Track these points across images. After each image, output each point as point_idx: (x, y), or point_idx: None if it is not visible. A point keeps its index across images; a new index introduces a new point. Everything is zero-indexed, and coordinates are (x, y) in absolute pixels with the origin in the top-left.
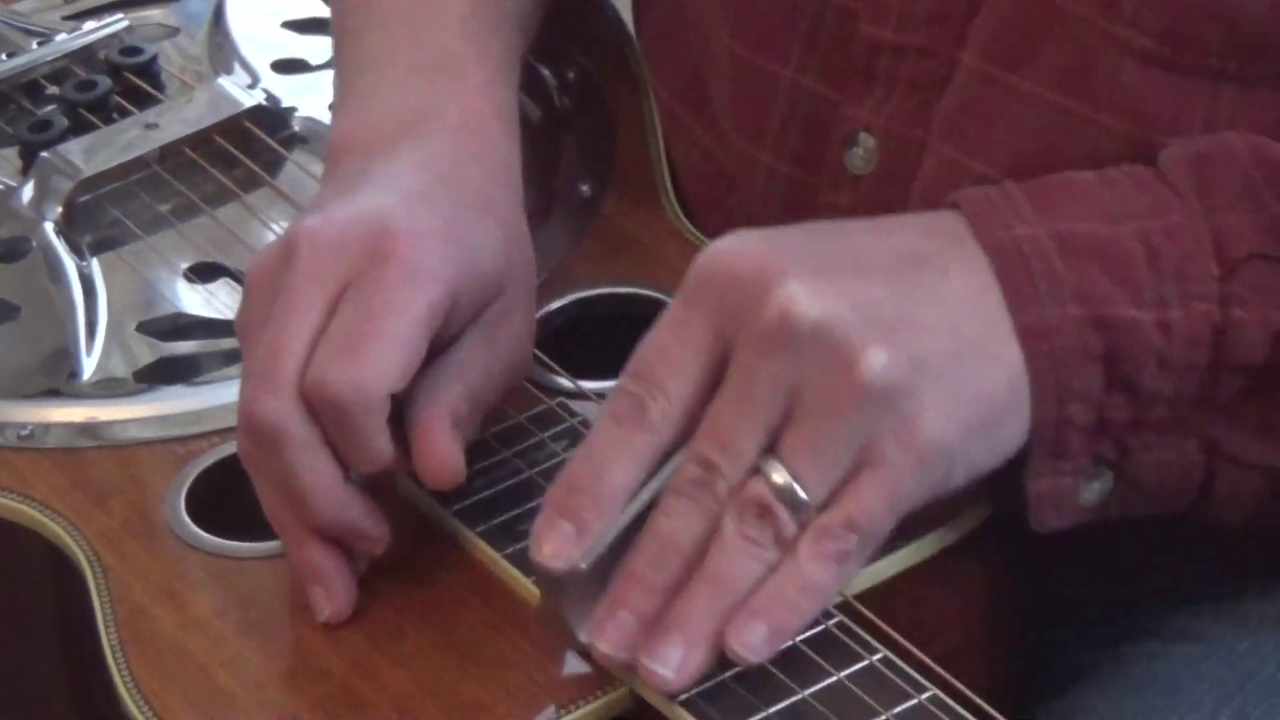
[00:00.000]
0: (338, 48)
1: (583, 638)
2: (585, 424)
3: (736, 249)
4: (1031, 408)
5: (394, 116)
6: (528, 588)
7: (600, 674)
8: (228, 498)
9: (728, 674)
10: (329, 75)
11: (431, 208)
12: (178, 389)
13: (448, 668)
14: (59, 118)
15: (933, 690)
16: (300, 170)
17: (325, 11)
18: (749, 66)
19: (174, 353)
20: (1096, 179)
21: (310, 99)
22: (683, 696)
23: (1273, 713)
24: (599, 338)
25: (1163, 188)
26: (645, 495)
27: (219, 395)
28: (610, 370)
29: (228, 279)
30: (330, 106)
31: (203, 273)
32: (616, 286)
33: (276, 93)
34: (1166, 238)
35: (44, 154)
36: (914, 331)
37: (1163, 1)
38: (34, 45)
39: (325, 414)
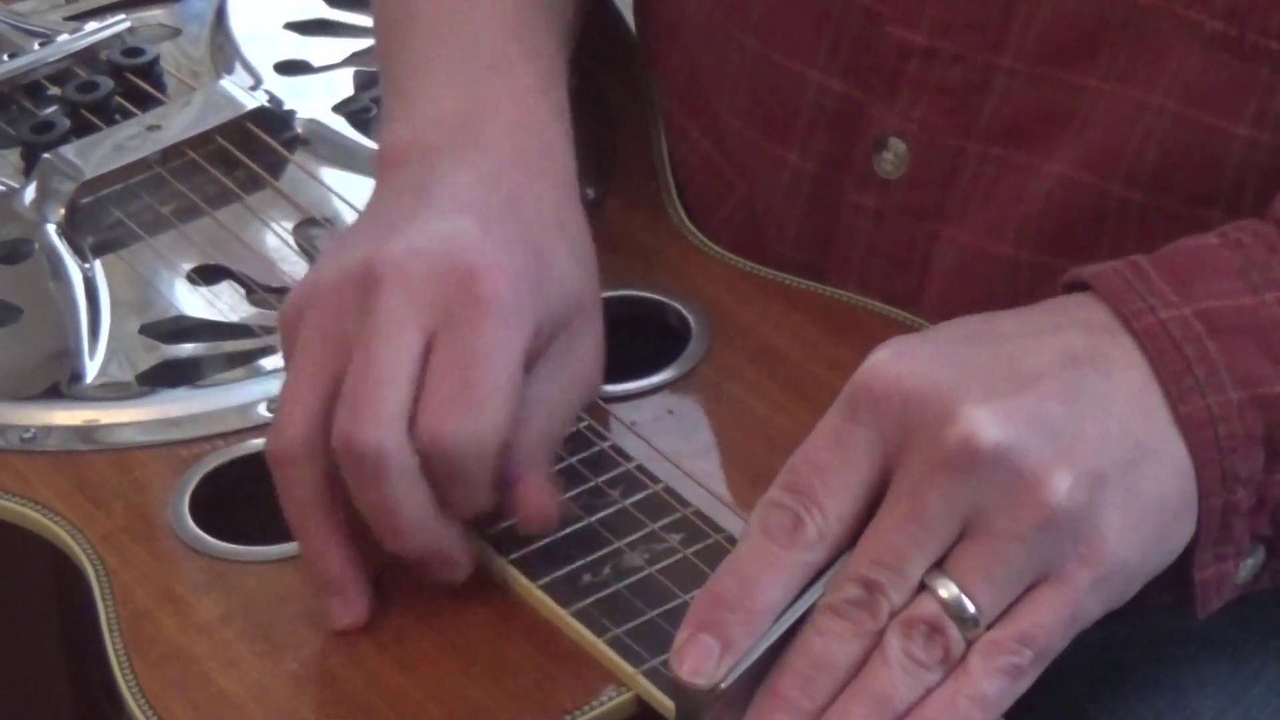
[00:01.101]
0: (382, 50)
1: None
2: (590, 429)
3: (903, 366)
4: (1198, 499)
5: (448, 121)
6: (531, 592)
7: (605, 679)
8: (231, 501)
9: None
10: (331, 77)
11: (509, 236)
12: (180, 391)
13: (452, 672)
14: (61, 119)
15: None
16: (302, 172)
17: (328, 13)
18: (773, 67)
19: (177, 355)
20: (1221, 243)
21: (312, 100)
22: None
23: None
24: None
25: None
26: (792, 614)
27: (222, 398)
28: (613, 373)
29: (230, 281)
30: (373, 118)
31: (205, 274)
32: (620, 289)
33: (279, 94)
34: None
35: (46, 155)
36: (1091, 445)
37: None
38: (35, 46)
39: (439, 463)
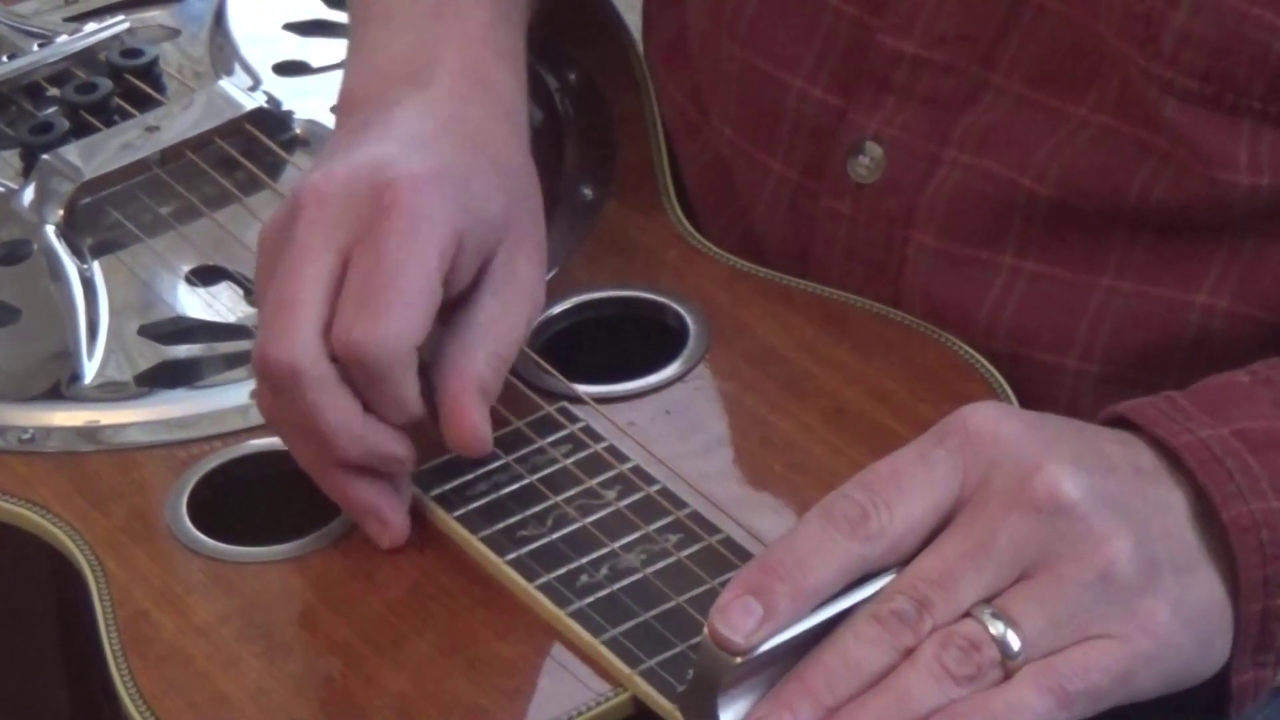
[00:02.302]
0: (350, 7)
1: None
2: (586, 430)
3: (1002, 416)
4: (1239, 604)
5: (396, 67)
6: (528, 593)
7: (601, 681)
8: (229, 502)
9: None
10: (331, 78)
11: (429, 152)
12: (179, 392)
13: (449, 672)
14: (60, 120)
15: None
16: (301, 173)
17: (327, 14)
18: (760, 75)
19: (175, 356)
20: (1251, 380)
21: (312, 101)
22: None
23: None
24: (600, 341)
25: None
26: (832, 608)
27: (221, 399)
28: (610, 374)
29: (229, 282)
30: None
31: (204, 276)
32: (617, 289)
33: (278, 95)
34: None
35: (45, 156)
36: (1155, 537)
37: (1205, 46)
38: (35, 47)
39: (356, 371)
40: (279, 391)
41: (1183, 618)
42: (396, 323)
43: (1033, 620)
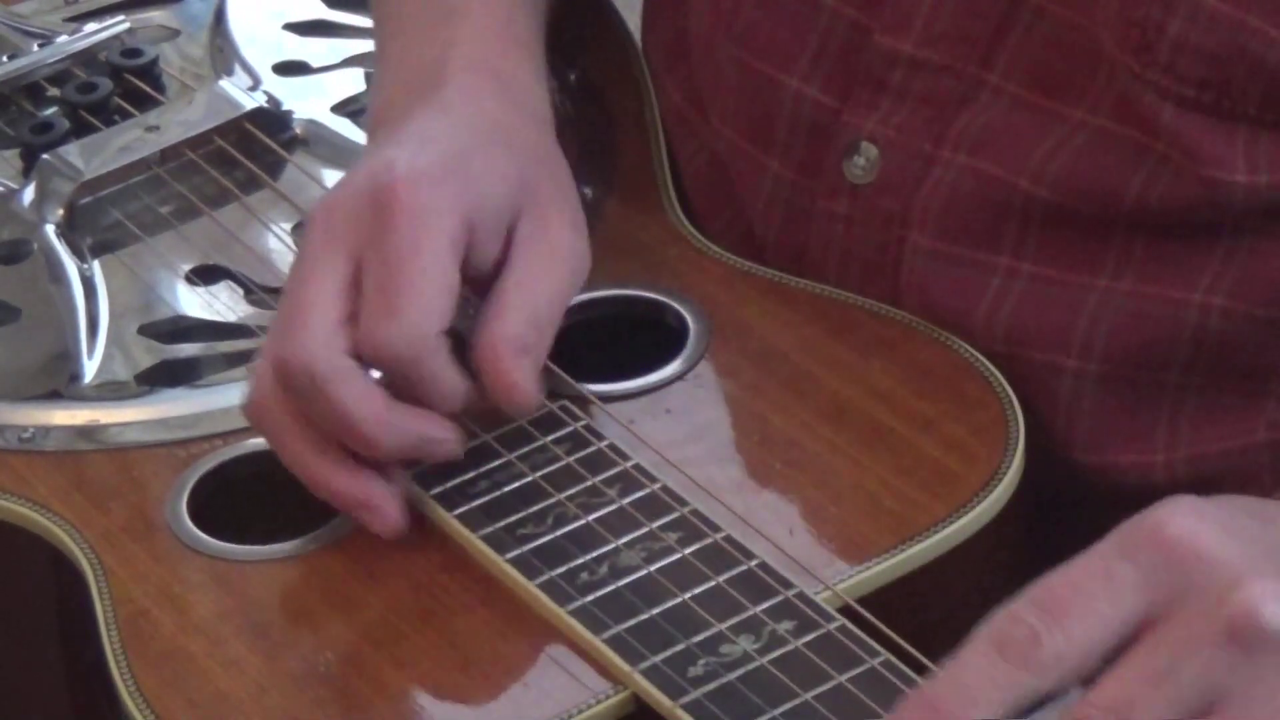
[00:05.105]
0: (374, 27)
1: None
2: (588, 428)
3: (1203, 525)
4: None
5: (413, 76)
6: (529, 591)
7: (601, 679)
8: (229, 501)
9: (733, 675)
10: (330, 78)
11: (429, 148)
12: (179, 392)
13: (449, 670)
14: (60, 120)
15: None
16: (301, 172)
17: (327, 14)
18: (757, 75)
19: (175, 355)
20: None
21: (311, 101)
22: (687, 700)
23: None
24: (600, 340)
25: None
26: None
27: (220, 398)
28: (612, 373)
29: (229, 281)
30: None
31: (204, 275)
32: (618, 289)
33: (277, 95)
34: None
35: (45, 156)
36: None
37: (1202, 54)
38: (35, 47)
39: (390, 369)
40: (299, 394)
41: None
42: (413, 312)
43: None
